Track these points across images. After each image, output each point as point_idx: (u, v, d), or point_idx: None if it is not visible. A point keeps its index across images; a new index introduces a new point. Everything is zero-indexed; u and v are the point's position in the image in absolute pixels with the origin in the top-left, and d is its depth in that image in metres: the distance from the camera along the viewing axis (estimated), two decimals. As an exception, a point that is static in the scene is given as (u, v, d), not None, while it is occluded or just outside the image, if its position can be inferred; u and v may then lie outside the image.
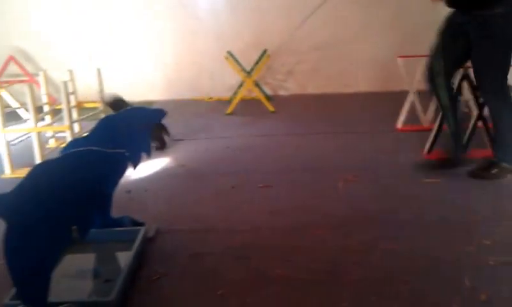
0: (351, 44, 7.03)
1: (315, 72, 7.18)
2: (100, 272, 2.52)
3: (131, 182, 3.78)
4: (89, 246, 2.72)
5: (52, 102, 5.02)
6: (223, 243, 2.84)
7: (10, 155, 4.16)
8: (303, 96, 7.08)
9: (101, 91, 4.98)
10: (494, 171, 3.61)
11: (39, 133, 4.21)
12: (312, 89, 7.18)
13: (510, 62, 3.45)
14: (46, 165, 2.15)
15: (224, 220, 3.15)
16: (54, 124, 4.74)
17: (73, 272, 2.52)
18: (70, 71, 4.85)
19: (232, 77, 6.70)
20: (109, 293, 2.19)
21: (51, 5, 7.09)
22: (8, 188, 1.95)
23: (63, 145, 4.34)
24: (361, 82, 7.16)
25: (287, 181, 3.75)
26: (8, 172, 4.14)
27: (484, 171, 3.64)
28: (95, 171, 2.26)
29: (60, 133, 4.86)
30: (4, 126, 4.10)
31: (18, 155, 4.37)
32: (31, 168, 2.04)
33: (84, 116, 4.91)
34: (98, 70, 4.93)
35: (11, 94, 6.06)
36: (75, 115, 4.83)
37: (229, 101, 6.37)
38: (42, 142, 4.32)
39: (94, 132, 2.68)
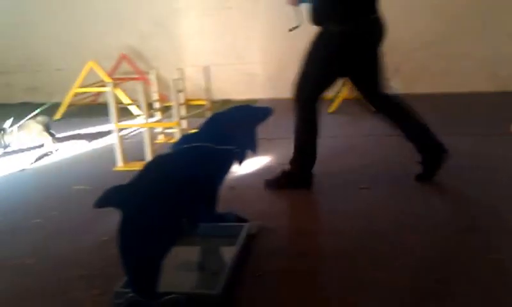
0: (463, 41, 6.72)
1: (424, 70, 6.94)
2: (206, 265, 2.59)
3: (235, 179, 3.84)
4: (195, 240, 2.80)
5: (163, 99, 5.22)
6: (326, 244, 2.82)
7: (123, 148, 4.39)
8: (409, 96, 6.86)
9: (208, 89, 5.11)
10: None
11: (149, 129, 4.39)
12: (419, 88, 6.94)
13: (324, 78, 3.52)
14: (161, 159, 2.23)
15: (327, 222, 3.12)
16: (164, 120, 4.93)
17: (180, 264, 2.60)
18: (180, 70, 5.02)
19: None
20: (214, 286, 2.23)
21: (160, 5, 7.38)
22: (120, 181, 2.04)
23: (172, 141, 4.53)
24: (473, 81, 6.83)
25: (387, 183, 3.66)
26: (120, 165, 4.37)
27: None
28: (204, 166, 2.33)
29: (169, 130, 5.04)
30: (118, 121, 4.33)
31: (129, 149, 4.58)
32: (147, 161, 2.12)
33: (191, 113, 5.06)
34: (206, 68, 5.06)
35: (123, 92, 6.38)
36: (183, 112, 5.00)
37: (331, 100, 6.31)
38: (152, 137, 4.50)
39: (203, 129, 2.76)
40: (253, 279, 2.47)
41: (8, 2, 7.79)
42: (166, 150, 2.47)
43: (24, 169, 4.57)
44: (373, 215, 3.14)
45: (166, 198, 2.07)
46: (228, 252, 2.61)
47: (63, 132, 5.71)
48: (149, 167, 2.08)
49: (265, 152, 4.55)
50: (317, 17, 3.40)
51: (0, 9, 7.81)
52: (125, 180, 2.07)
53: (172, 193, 2.11)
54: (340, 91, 6.37)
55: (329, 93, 3.26)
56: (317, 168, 3.64)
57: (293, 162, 3.64)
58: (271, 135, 4.81)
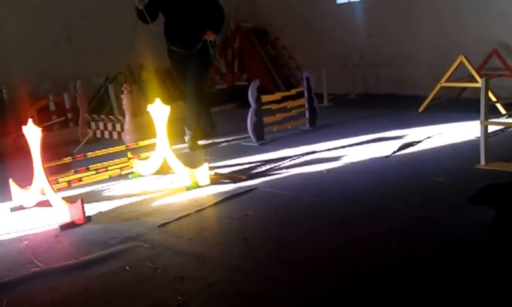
0: None
1: None
2: None
3: None
4: None
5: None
6: None
7: (487, 147, 4.24)
8: None
9: None
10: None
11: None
12: None
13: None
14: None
15: None
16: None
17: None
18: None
19: None
20: None
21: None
22: (484, 180, 2.00)
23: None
24: None
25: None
26: (482, 163, 4.24)
27: None
28: None
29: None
30: (486, 118, 4.20)
31: (493, 148, 4.38)
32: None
33: None
34: None
35: (490, 88, 6.13)
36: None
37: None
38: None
39: None
40: None
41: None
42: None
43: (387, 156, 4.86)
44: None
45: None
46: None
47: (425, 125, 5.85)
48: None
49: None
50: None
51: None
52: (493, 180, 2.03)
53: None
54: None
55: None
56: None
57: None
58: None
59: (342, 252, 2.98)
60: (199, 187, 4.36)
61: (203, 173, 4.38)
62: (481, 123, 4.22)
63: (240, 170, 4.77)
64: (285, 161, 4.93)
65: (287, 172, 4.61)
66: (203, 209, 3.86)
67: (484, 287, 2.32)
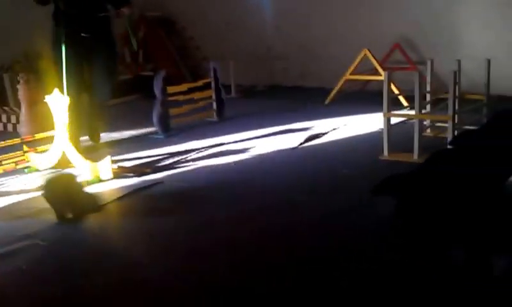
0: None
1: None
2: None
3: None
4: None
5: (434, 91, 5.04)
6: None
7: (390, 138, 4.36)
8: None
9: (487, 83, 4.77)
10: None
11: (419, 121, 4.27)
12: None
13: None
14: (443, 152, 2.16)
15: None
16: (436, 113, 4.76)
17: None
18: (458, 61, 4.77)
19: None
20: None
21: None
22: (388, 170, 2.04)
23: (442, 135, 4.36)
24: None
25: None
26: (386, 154, 4.35)
27: None
28: (491, 166, 2.17)
29: (439, 123, 4.83)
30: (389, 110, 4.31)
31: (395, 139, 4.50)
32: (429, 154, 2.07)
33: (465, 108, 4.78)
34: (488, 61, 4.73)
35: (392, 81, 6.33)
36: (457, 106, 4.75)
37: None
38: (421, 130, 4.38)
39: (485, 126, 2.58)
40: None
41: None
42: (445, 146, 2.38)
43: (294, 148, 4.88)
44: None
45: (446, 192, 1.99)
46: None
47: (331, 117, 5.95)
48: (432, 159, 2.02)
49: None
50: None
51: None
52: (395, 170, 2.07)
53: (452, 188, 2.02)
54: None
55: None
56: None
57: None
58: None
59: (240, 242, 2.99)
60: (101, 181, 4.16)
61: (106, 166, 4.18)
62: (384, 115, 4.33)
63: (145, 163, 4.61)
64: (191, 153, 4.82)
65: (194, 165, 4.51)
66: (105, 204, 3.68)
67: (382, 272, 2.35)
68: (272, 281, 2.53)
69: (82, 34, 4.81)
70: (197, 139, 5.34)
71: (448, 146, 2.35)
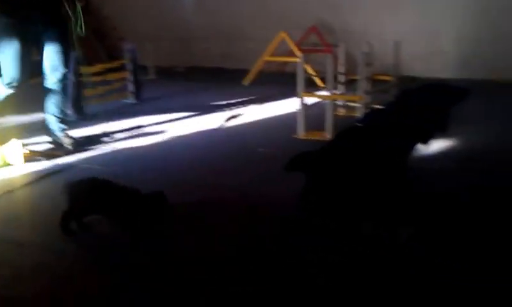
0: None
1: None
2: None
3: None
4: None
5: (347, 72, 5.18)
6: None
7: (305, 118, 4.45)
8: None
9: (396, 64, 4.94)
10: None
11: (332, 101, 4.38)
12: None
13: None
14: (351, 130, 2.22)
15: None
16: (348, 94, 4.89)
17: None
18: (368, 44, 4.91)
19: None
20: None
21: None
22: (302, 148, 2.08)
23: (354, 114, 4.49)
24: None
25: None
26: (301, 133, 4.44)
27: None
28: (395, 141, 2.26)
29: (351, 103, 4.97)
30: (304, 91, 4.39)
31: (310, 119, 4.59)
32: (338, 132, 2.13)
33: (376, 88, 4.94)
34: (397, 43, 4.89)
35: (308, 63, 6.45)
36: (368, 87, 4.90)
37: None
38: (334, 109, 4.49)
39: (392, 104, 2.67)
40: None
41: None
42: (353, 124, 2.45)
43: (215, 129, 4.88)
44: None
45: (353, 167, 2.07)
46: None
47: (250, 96, 5.99)
48: (340, 136, 2.09)
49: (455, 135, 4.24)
50: None
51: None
52: (309, 148, 2.11)
53: (359, 162, 2.10)
54: None
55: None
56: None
57: None
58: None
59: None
60: (9, 165, 3.97)
61: (15, 150, 3.99)
62: (298, 95, 4.41)
63: (57, 146, 4.44)
64: (107, 136, 4.70)
65: (109, 147, 4.40)
66: (14, 190, 3.52)
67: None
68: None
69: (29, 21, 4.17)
70: (114, 121, 5.21)
71: (357, 124, 2.41)
